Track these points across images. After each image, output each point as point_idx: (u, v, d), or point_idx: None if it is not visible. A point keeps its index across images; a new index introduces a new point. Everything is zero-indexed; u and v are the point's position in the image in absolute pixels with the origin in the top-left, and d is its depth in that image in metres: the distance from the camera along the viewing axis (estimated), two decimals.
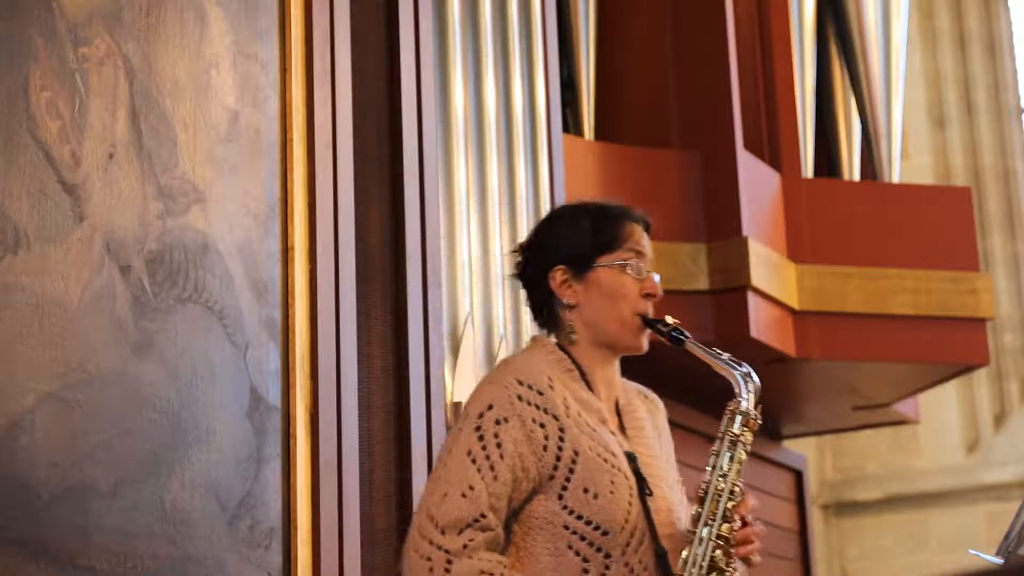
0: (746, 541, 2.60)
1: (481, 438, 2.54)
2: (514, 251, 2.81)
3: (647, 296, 2.70)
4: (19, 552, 2.81)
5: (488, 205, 4.38)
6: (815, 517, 8.68)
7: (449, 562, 2.47)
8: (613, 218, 2.72)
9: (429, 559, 2.49)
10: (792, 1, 6.51)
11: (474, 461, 2.52)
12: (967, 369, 6.83)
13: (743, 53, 6.24)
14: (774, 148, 6.30)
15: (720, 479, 2.60)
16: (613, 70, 6.20)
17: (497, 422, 2.55)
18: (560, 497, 2.54)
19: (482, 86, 4.45)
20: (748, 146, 6.04)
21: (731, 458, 2.62)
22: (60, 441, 2.92)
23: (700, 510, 2.59)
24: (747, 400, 2.67)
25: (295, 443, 3.45)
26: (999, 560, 2.94)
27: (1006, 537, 2.95)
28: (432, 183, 4.04)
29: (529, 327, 4.42)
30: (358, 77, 3.84)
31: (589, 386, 2.68)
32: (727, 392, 2.75)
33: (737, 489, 2.60)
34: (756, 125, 6.28)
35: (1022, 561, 2.94)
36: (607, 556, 2.53)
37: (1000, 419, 10.34)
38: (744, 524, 2.60)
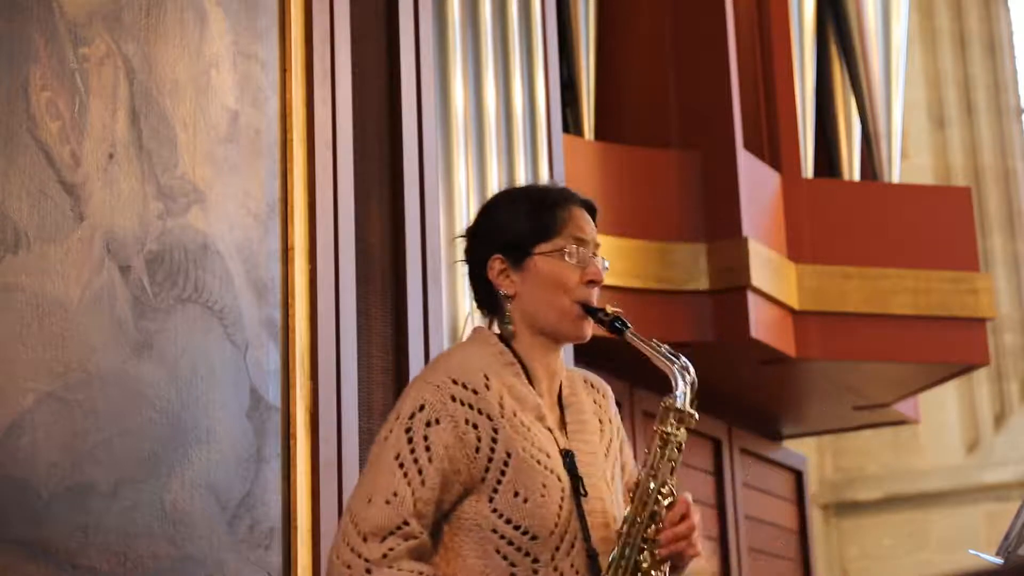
0: (677, 539, 2.51)
1: (411, 440, 2.47)
2: (458, 237, 2.72)
3: (590, 283, 2.59)
4: (19, 552, 2.81)
5: None
6: (815, 517, 8.69)
7: (368, 571, 2.42)
8: (551, 203, 2.62)
9: (349, 566, 2.44)
10: (792, 1, 6.51)
11: (402, 466, 2.46)
12: (967, 369, 6.83)
13: (743, 53, 6.25)
14: (774, 148, 6.30)
15: (651, 479, 2.52)
16: (613, 70, 6.20)
17: (428, 424, 2.48)
18: (491, 500, 2.48)
19: (482, 86, 4.45)
20: (748, 146, 6.04)
21: (664, 457, 2.54)
22: (60, 441, 2.92)
23: (629, 511, 2.52)
24: (683, 396, 2.56)
25: (295, 443, 3.45)
26: (999, 560, 2.94)
27: (1006, 537, 2.95)
28: (432, 183, 4.04)
29: None
30: (358, 77, 3.84)
31: (530, 379, 2.59)
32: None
33: (665, 489, 2.52)
34: (756, 125, 6.29)
35: (1022, 561, 2.93)
36: (535, 561, 2.47)
37: (1000, 419, 10.35)
38: (682, 521, 2.51)
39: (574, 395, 2.67)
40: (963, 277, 6.44)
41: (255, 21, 3.57)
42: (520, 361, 2.60)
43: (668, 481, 2.53)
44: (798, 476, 7.27)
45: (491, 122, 4.45)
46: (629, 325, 2.59)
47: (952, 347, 6.44)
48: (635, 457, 2.77)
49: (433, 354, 3.90)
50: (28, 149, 2.95)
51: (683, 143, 6.01)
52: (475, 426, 2.49)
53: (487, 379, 2.53)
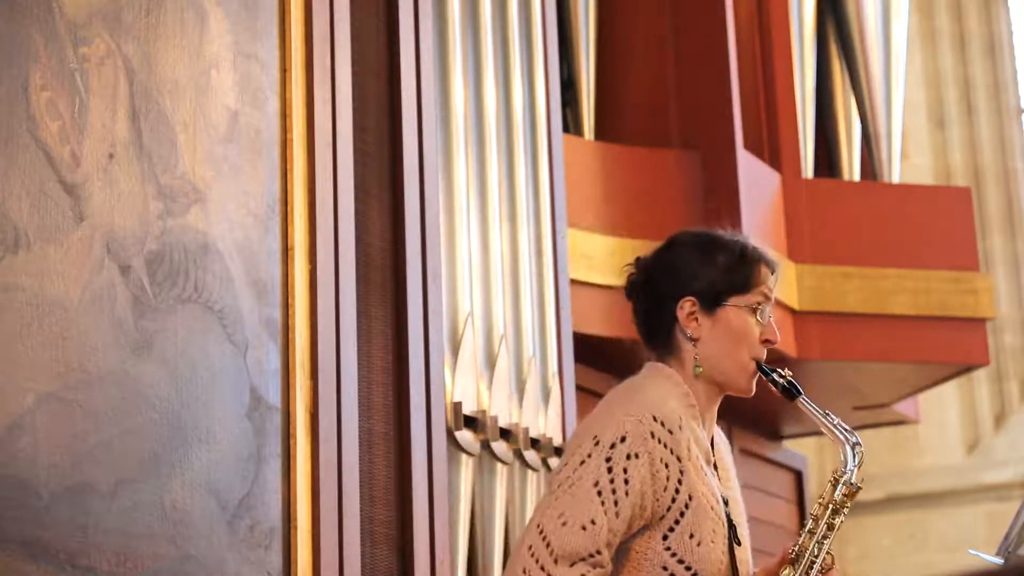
0: None
1: (611, 470, 2.53)
2: (630, 265, 2.78)
3: (766, 342, 2.70)
4: (19, 552, 2.80)
5: (488, 205, 4.38)
6: None
7: None
8: (750, 259, 2.71)
9: None
10: (792, 1, 6.51)
11: (600, 494, 2.51)
12: (967, 369, 6.83)
13: (743, 53, 6.25)
14: (774, 148, 6.30)
15: (816, 545, 2.63)
16: (613, 70, 6.20)
17: (628, 457, 2.53)
18: (665, 538, 2.55)
19: (482, 86, 4.44)
20: (748, 146, 6.04)
21: (829, 526, 2.64)
22: (60, 441, 2.92)
23: (791, 570, 2.62)
24: (853, 471, 2.67)
25: (295, 443, 3.45)
26: (999, 560, 2.94)
27: (1006, 537, 2.95)
28: (432, 183, 4.04)
29: (529, 327, 4.43)
30: (358, 77, 3.84)
31: (702, 423, 2.68)
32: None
33: (829, 559, 2.63)
34: (756, 125, 6.29)
35: (1022, 561, 2.94)
36: None
37: (1000, 419, 10.35)
38: None
39: (718, 445, 2.76)
40: (963, 277, 6.44)
41: (255, 21, 3.57)
42: (696, 404, 2.68)
43: (829, 550, 2.65)
44: (798, 476, 7.27)
45: (491, 122, 4.45)
46: (801, 390, 2.72)
47: (952, 347, 6.44)
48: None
49: (433, 354, 3.90)
50: (28, 149, 2.95)
51: (683, 143, 6.01)
52: (667, 465, 2.56)
53: (681, 420, 2.60)
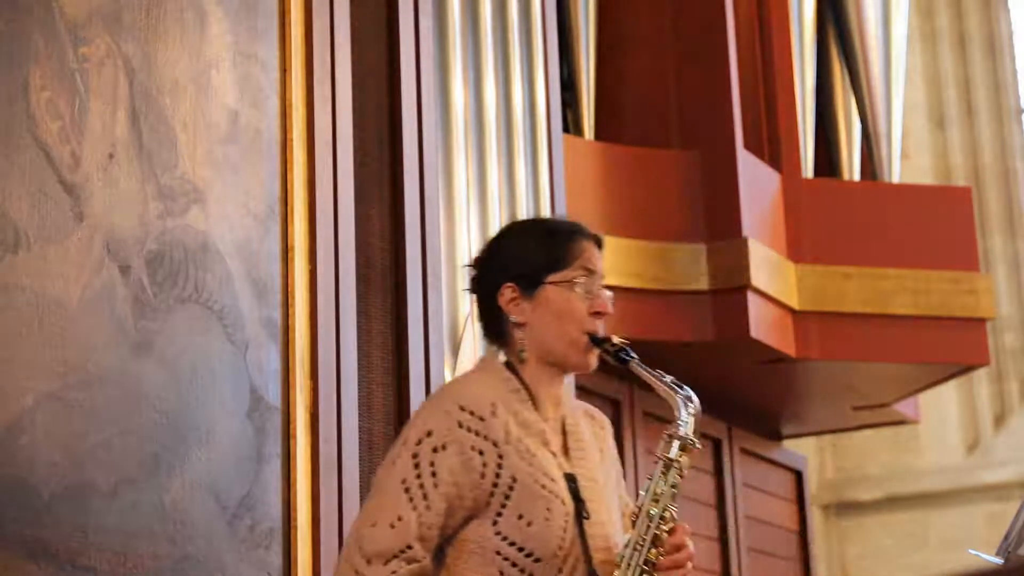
0: (675, 567, 2.58)
1: (417, 466, 2.53)
2: (468, 265, 2.79)
3: (596, 314, 2.66)
4: (19, 552, 2.81)
5: (488, 205, 4.38)
6: (815, 517, 8.69)
7: None
8: (563, 235, 2.70)
9: None
10: (792, 1, 6.51)
11: (407, 491, 2.52)
12: (967, 369, 6.83)
13: (743, 53, 6.25)
14: (774, 148, 6.30)
15: (653, 503, 2.59)
16: (613, 70, 6.20)
17: (435, 450, 2.54)
18: (494, 523, 2.54)
19: (482, 86, 4.45)
20: (748, 146, 6.04)
21: (666, 482, 2.60)
22: (60, 441, 2.92)
23: (633, 532, 2.59)
24: (686, 425, 2.63)
25: (295, 443, 3.45)
26: (999, 560, 2.94)
27: (1006, 537, 2.96)
28: (432, 183, 4.04)
29: None
30: (358, 77, 3.84)
31: (536, 406, 2.66)
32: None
33: (668, 514, 2.59)
34: (756, 125, 6.29)
35: (1022, 561, 2.94)
36: None
37: (1000, 419, 10.35)
38: (678, 549, 2.59)
39: (576, 423, 2.73)
40: (963, 277, 6.44)
41: (255, 21, 3.57)
42: (526, 388, 2.66)
43: (669, 507, 2.60)
44: (798, 476, 7.28)
45: (491, 122, 4.45)
46: (635, 355, 2.66)
47: (952, 347, 6.44)
48: (637, 482, 2.81)
49: (433, 354, 3.90)
50: (28, 149, 2.95)
51: (683, 143, 6.01)
52: (481, 452, 2.55)
53: (494, 406, 2.59)
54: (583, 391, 4.83)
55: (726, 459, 6.61)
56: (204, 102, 3.39)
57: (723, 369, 6.03)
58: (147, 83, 3.25)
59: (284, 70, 3.63)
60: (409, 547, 2.49)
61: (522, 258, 2.67)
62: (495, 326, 2.71)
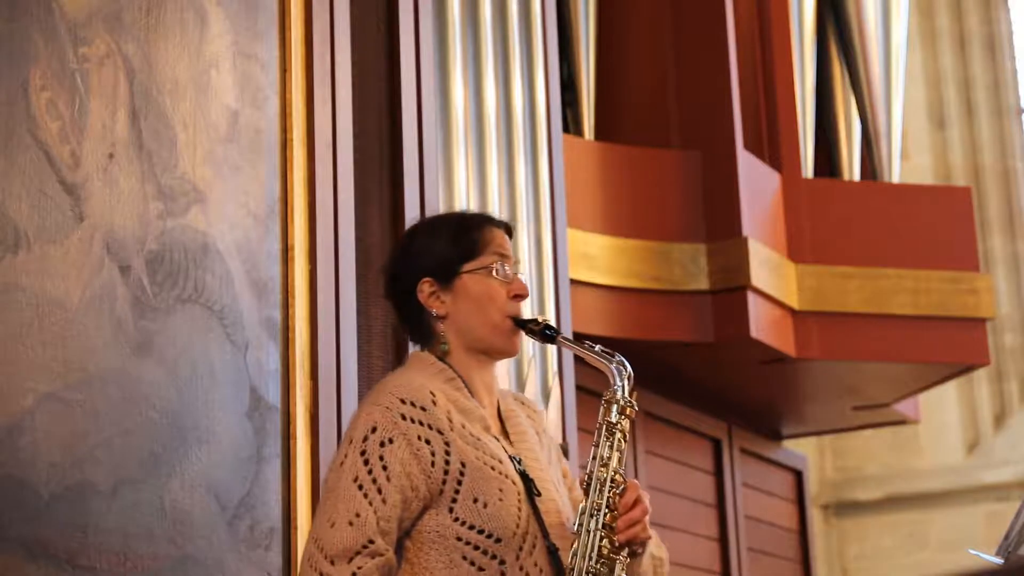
0: (633, 523, 2.60)
1: (367, 462, 2.55)
2: (381, 270, 2.82)
3: (516, 297, 2.71)
4: (19, 552, 2.81)
5: (488, 205, 4.38)
6: (815, 517, 8.69)
7: None
8: (472, 225, 2.74)
9: None
10: (792, 1, 6.51)
11: (361, 487, 2.53)
12: (967, 369, 6.83)
13: (743, 53, 6.25)
14: (774, 148, 6.30)
15: (602, 468, 2.62)
16: (613, 70, 6.20)
17: (382, 444, 2.55)
18: (451, 510, 2.56)
19: (482, 86, 4.45)
20: (748, 146, 6.04)
21: (611, 446, 2.63)
22: (60, 441, 2.92)
23: (585, 500, 2.61)
24: (622, 388, 2.67)
25: (295, 443, 3.45)
26: (999, 560, 2.94)
27: (1006, 537, 2.96)
28: (432, 183, 4.04)
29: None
30: (358, 77, 3.84)
31: (471, 393, 2.69)
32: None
33: (619, 477, 2.62)
34: (756, 125, 6.29)
35: (1022, 561, 2.94)
36: (501, 563, 2.55)
37: (1000, 419, 10.34)
38: (635, 505, 2.61)
39: (510, 408, 2.78)
40: (963, 277, 6.44)
41: (255, 21, 3.57)
42: (460, 377, 2.69)
43: (617, 469, 2.63)
44: (798, 476, 7.28)
45: (491, 122, 4.45)
46: (559, 331, 2.72)
47: (952, 347, 6.44)
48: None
49: None
50: (28, 149, 2.95)
51: (683, 143, 6.01)
52: (428, 441, 2.57)
53: (434, 396, 2.62)
54: (592, 394, 4.82)
55: (726, 459, 6.61)
56: (204, 102, 3.39)
57: (723, 369, 6.03)
58: (147, 83, 3.25)
59: (284, 70, 3.63)
60: (371, 541, 2.50)
61: (435, 252, 2.71)
62: (419, 326, 2.75)
